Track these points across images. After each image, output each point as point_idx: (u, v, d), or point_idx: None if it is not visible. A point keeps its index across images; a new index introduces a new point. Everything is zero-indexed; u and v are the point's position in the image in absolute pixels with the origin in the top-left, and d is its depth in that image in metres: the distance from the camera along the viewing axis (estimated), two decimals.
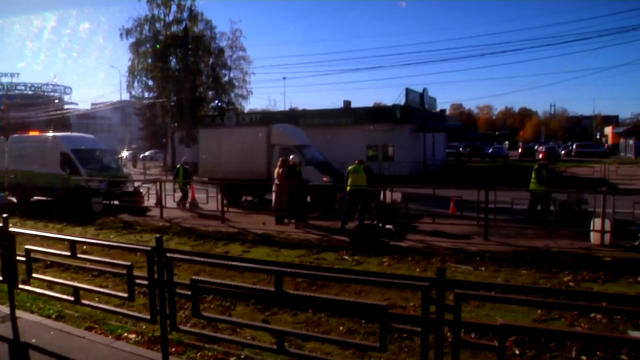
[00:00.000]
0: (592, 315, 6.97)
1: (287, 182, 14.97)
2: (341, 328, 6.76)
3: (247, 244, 12.70)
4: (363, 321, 6.88)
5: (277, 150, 19.48)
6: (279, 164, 15.72)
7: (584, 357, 5.66)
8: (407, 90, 35.86)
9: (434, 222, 13.56)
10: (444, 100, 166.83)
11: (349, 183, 14.25)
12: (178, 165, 19.29)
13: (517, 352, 5.83)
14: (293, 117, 37.26)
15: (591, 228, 12.00)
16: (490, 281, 8.92)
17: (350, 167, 14.51)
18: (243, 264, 5.77)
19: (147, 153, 58.05)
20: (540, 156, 14.32)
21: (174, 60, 39.20)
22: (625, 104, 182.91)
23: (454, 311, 3.83)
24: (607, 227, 11.68)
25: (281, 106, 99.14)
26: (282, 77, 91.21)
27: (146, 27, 38.60)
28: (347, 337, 6.35)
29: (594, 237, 11.86)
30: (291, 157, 16.40)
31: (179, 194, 18.64)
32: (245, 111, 50.37)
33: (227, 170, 19.82)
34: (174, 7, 38.15)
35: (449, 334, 4.54)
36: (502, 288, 8.32)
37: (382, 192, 15.01)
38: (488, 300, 6.03)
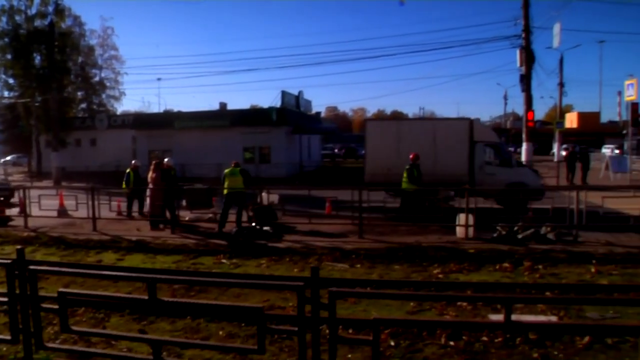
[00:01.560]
0: (459, 303, 7.44)
1: (161, 186, 14.52)
2: (221, 333, 6.68)
3: (121, 251, 12.16)
4: (243, 324, 6.85)
5: (480, 148, 17.05)
6: (152, 167, 15.18)
7: (452, 343, 6.01)
8: (283, 93, 36.14)
9: (310, 223, 13.80)
10: (319, 103, 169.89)
11: (225, 186, 14.13)
12: (128, 170, 17.10)
13: (392, 343, 6.08)
14: (168, 119, 36.26)
15: (457, 223, 12.82)
16: (366, 278, 9.24)
17: (226, 170, 14.37)
18: (114, 273, 5.55)
19: (8, 158, 53.67)
20: (411, 157, 15.08)
21: (39, 57, 36.33)
22: (485, 107, 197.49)
23: (328, 309, 3.92)
24: (471, 221, 12.53)
25: (155, 108, 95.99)
26: (156, 78, 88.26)
27: (4, 18, 35.67)
28: (227, 341, 6.29)
29: (459, 231, 12.68)
30: (165, 160, 15.89)
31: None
32: (118, 113, 48.29)
33: None
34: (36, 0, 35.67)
35: (327, 331, 4.64)
36: (376, 284, 8.65)
37: (259, 194, 15.05)
38: (363, 296, 6.26)
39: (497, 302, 5.16)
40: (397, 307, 7.44)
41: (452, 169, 16.40)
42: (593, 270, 9.60)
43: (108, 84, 43.55)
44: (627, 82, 25.70)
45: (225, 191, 14.12)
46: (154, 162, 15.59)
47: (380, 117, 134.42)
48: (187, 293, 8.37)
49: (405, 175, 15.08)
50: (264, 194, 14.97)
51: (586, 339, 6.00)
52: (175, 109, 58.50)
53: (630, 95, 25.55)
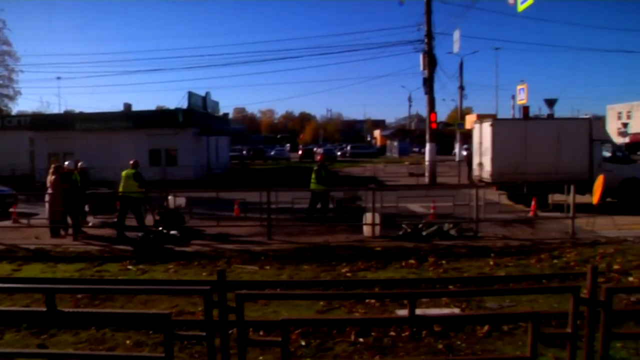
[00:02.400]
0: (367, 300, 7.59)
1: (60, 190, 13.79)
2: (128, 342, 6.43)
3: (18, 261, 11.39)
4: (151, 332, 6.65)
5: (598, 146, 17.35)
6: (51, 170, 14.36)
7: (361, 339, 6.12)
8: (190, 94, 35.41)
9: (218, 225, 13.62)
10: (227, 104, 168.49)
11: (119, 189, 13.69)
12: (74, 172, 15.47)
13: (303, 343, 6.10)
14: (69, 120, 34.39)
15: (364, 222, 13.09)
16: (275, 279, 9.23)
17: (123, 172, 13.89)
18: (8, 285, 5.21)
19: None
20: (319, 157, 15.34)
21: None
22: (390, 109, 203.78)
23: (236, 312, 3.89)
24: (377, 220, 12.84)
25: (55, 108, 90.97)
26: (56, 77, 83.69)
27: None
28: (134, 350, 6.07)
29: (366, 230, 12.95)
30: (66, 163, 15.11)
31: None
32: (13, 113, 45.39)
33: (535, 170, 16.85)
34: None
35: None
36: (286, 285, 8.66)
37: (166, 198, 14.67)
38: (272, 297, 6.25)
39: (402, 297, 5.33)
40: (308, 306, 7.48)
41: (574, 167, 16.88)
42: (491, 263, 10.11)
43: (1, 82, 40.83)
44: (519, 87, 27.31)
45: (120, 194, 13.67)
46: (53, 165, 14.78)
47: (288, 118, 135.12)
48: (91, 302, 8.01)
49: (313, 176, 15.25)
50: (170, 197, 14.61)
51: (486, 327, 6.31)
52: (77, 110, 55.96)
53: (521, 99, 27.15)
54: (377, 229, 12.80)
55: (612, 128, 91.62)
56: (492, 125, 18.00)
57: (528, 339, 3.83)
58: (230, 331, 4.19)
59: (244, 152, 61.29)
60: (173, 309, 7.22)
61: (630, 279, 8.86)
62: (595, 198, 13.56)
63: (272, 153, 60.70)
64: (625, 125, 56.03)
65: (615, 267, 9.55)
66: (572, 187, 12.91)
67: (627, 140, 58.24)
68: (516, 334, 6.11)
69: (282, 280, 9.00)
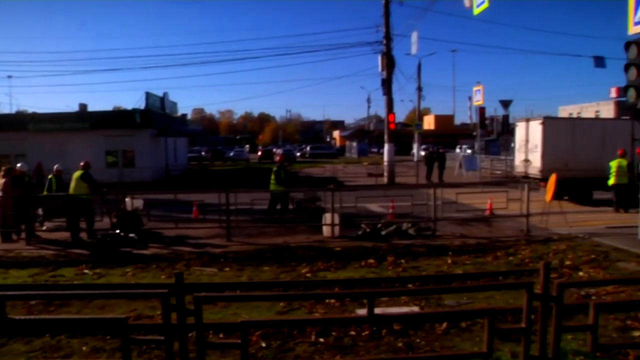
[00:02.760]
0: (327, 300, 7.61)
1: (12, 194, 13.37)
2: (84, 348, 6.27)
3: None
4: (108, 337, 6.51)
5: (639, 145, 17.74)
6: (1, 173, 13.90)
7: (322, 339, 6.14)
8: (147, 94, 34.84)
9: (177, 228, 13.46)
10: (185, 105, 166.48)
11: (70, 191, 13.38)
12: (50, 176, 14.76)
13: (263, 344, 6.07)
14: (21, 120, 33.38)
15: (323, 222, 13.13)
16: (235, 280, 9.16)
17: (74, 174, 13.56)
18: None
19: None
20: (278, 158, 15.38)
21: None
22: (349, 110, 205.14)
23: (195, 315, 3.85)
24: (336, 220, 12.90)
25: (6, 108, 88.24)
26: (6, 76, 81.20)
27: None
28: (91, 357, 5.94)
29: (326, 230, 13.00)
30: (18, 165, 14.67)
31: None
32: None
33: (582, 167, 17.77)
34: None
35: None
36: (246, 286, 8.62)
37: (122, 200, 14.40)
38: (231, 299, 6.21)
39: (361, 297, 5.37)
40: (268, 308, 7.46)
41: None
42: (449, 261, 10.27)
43: None
44: (475, 88, 27.86)
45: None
46: (3, 168, 14.29)
47: (247, 119, 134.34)
48: (45, 309, 7.79)
49: (272, 177, 15.24)
50: (127, 200, 14.34)
51: (444, 324, 6.41)
52: (30, 110, 54.37)
53: (478, 100, 27.72)
54: (337, 229, 12.86)
55: None
56: (542, 123, 18.80)
57: (484, 335, 3.92)
58: (190, 334, 4.15)
59: (203, 153, 60.72)
60: (131, 313, 7.10)
61: (581, 274, 9.15)
62: (548, 196, 13.93)
63: (231, 154, 60.31)
64: None
65: (567, 263, 9.85)
66: (526, 187, 13.26)
67: None
68: (474, 330, 6.22)
69: (241, 282, 8.96)
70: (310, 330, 6.31)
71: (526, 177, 18.92)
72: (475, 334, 6.07)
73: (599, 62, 30.02)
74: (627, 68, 11.92)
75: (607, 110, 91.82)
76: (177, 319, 3.87)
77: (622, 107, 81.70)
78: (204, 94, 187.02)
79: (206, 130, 74.94)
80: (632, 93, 11.84)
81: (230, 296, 5.52)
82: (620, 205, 16.14)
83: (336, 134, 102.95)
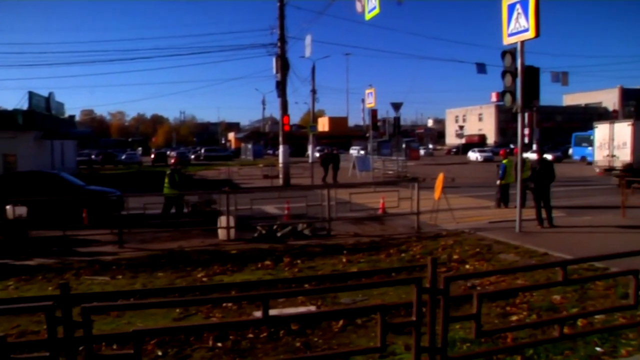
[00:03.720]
0: (225, 304, 7.55)
1: None
2: None
3: None
4: None
5: None
6: None
7: (219, 344, 6.08)
8: (31, 94, 32.69)
9: (65, 235, 12.77)
10: (73, 106, 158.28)
11: None
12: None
13: (159, 353, 5.92)
14: None
15: (218, 225, 12.99)
16: (129, 288, 8.84)
17: None
18: None
19: None
20: (172, 161, 15.09)
21: None
22: (244, 112, 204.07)
23: (83, 327, 3.69)
24: (232, 223, 12.81)
25: None
26: None
27: None
28: None
29: (221, 233, 12.87)
30: None
31: None
32: None
33: None
34: None
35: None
36: (140, 294, 8.34)
37: (3, 208, 13.45)
38: (123, 308, 6.00)
39: (255, 299, 5.35)
40: (164, 315, 7.28)
41: None
42: (344, 260, 10.51)
43: None
44: (367, 91, 28.60)
45: None
46: None
47: (140, 121, 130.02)
48: None
49: (166, 180, 14.90)
50: (9, 207, 13.41)
51: (340, 322, 6.57)
52: None
53: (370, 102, 28.50)
54: (232, 232, 12.78)
55: (451, 130, 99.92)
56: (632, 124, 21.99)
57: (378, 330, 4.06)
58: (80, 348, 3.96)
59: (93, 156, 58.14)
60: (13, 330, 6.67)
61: (467, 266, 9.71)
62: (436, 194, 14.63)
63: (123, 157, 58.19)
64: (461, 127, 61.08)
65: (455, 257, 10.40)
66: (416, 186, 13.84)
67: (463, 141, 63.41)
68: (369, 326, 6.41)
69: (135, 290, 8.65)
70: (208, 335, 6.23)
71: (610, 169, 22.69)
72: (370, 330, 6.26)
73: (481, 68, 31.98)
74: (503, 75, 12.85)
75: (489, 114, 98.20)
76: (64, 332, 3.68)
77: (501, 111, 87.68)
78: (94, 94, 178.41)
79: (96, 133, 71.58)
80: (508, 98, 12.75)
81: (121, 305, 5.34)
82: (502, 201, 17.29)
83: (231, 136, 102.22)
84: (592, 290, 7.80)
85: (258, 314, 6.94)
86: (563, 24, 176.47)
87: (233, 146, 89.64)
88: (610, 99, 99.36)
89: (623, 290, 7.21)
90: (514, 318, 6.77)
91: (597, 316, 6.25)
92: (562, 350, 5.46)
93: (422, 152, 63.13)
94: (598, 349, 5.58)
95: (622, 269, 5.22)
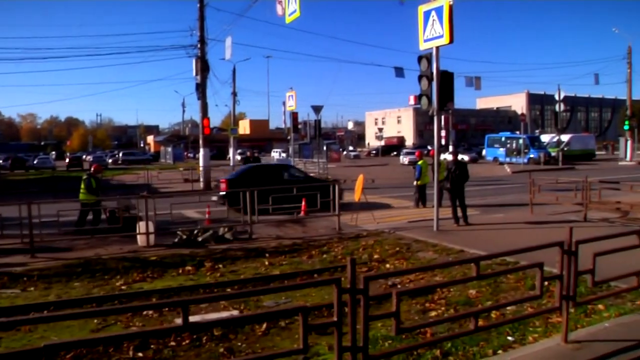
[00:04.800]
0: (145, 312, 7.38)
1: None
2: None
3: None
4: None
5: None
6: None
7: (140, 354, 5.94)
8: None
9: None
10: None
11: None
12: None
13: None
14: None
15: (137, 231, 12.63)
16: (42, 300, 8.45)
17: None
18: None
19: None
20: (93, 167, 14.88)
21: None
22: (164, 114, 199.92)
23: None
24: (151, 228, 12.49)
25: None
26: None
27: None
28: None
29: (141, 240, 12.51)
30: None
31: None
32: None
33: None
34: None
35: None
36: (55, 305, 7.99)
37: None
38: (36, 322, 5.73)
39: (174, 306, 5.25)
40: (81, 326, 7.01)
41: None
42: (267, 263, 10.51)
43: None
44: (288, 94, 28.73)
45: None
46: None
47: (53, 124, 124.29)
48: None
49: (82, 185, 14.40)
50: None
51: (264, 325, 6.58)
52: None
53: (291, 105, 28.63)
54: (152, 237, 12.46)
55: (370, 132, 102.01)
56: None
57: (300, 331, 4.09)
58: None
59: (1, 161, 55.07)
60: None
61: (387, 265, 9.96)
62: (356, 195, 14.90)
63: (35, 162, 55.36)
64: (380, 130, 62.39)
65: (375, 256, 10.63)
66: (336, 187, 14.04)
67: (382, 143, 64.80)
68: (292, 328, 6.45)
69: (49, 302, 8.28)
70: (128, 345, 6.08)
71: None
72: (294, 332, 6.28)
73: (399, 72, 32.81)
74: (420, 79, 13.28)
75: (407, 116, 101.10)
76: None
77: (419, 113, 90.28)
78: (0, 95, 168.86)
79: (4, 136, 67.85)
80: (424, 101, 13.19)
81: (32, 319, 5.08)
82: (421, 201, 17.84)
83: (150, 139, 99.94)
84: (504, 283, 8.23)
85: (179, 320, 6.84)
86: (476, 32, 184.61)
87: (152, 150, 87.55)
88: (518, 102, 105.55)
89: (531, 282, 7.66)
90: (433, 314, 7.01)
91: (508, 307, 6.60)
92: (477, 341, 5.73)
93: (352, 154, 64.65)
94: (510, 338, 5.92)
95: (530, 262, 5.52)
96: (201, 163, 27.59)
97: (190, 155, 69.87)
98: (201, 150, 27.61)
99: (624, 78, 54.19)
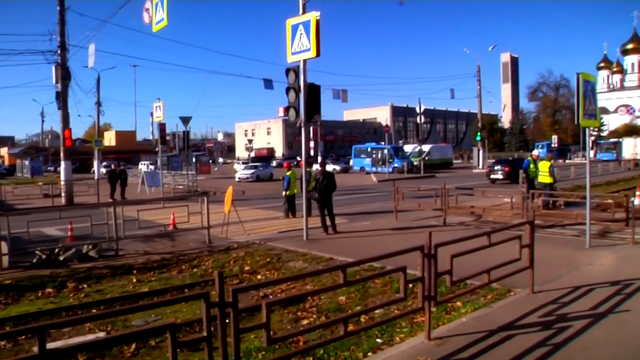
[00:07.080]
0: None
1: None
2: None
3: None
4: None
5: None
6: None
7: None
8: None
9: None
10: None
11: None
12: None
13: None
14: None
15: None
16: None
17: None
18: None
19: None
20: None
21: None
22: (20, 125, 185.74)
23: None
24: (5, 249, 11.54)
25: None
26: None
27: None
28: None
29: None
30: None
31: None
32: None
33: None
34: None
35: None
36: None
37: None
38: None
39: (28, 333, 4.94)
40: None
41: None
42: (135, 280, 10.10)
43: None
44: (155, 104, 27.88)
45: None
46: None
47: None
48: None
49: None
50: None
51: (133, 345, 6.34)
52: None
53: (158, 116, 27.82)
54: (6, 259, 11.49)
55: (240, 144, 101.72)
56: None
57: (169, 349, 4.01)
58: None
59: None
60: None
61: (259, 277, 9.98)
62: (226, 207, 14.81)
63: None
64: (250, 141, 62.57)
65: (247, 268, 10.63)
66: (205, 200, 13.88)
67: (252, 154, 64.89)
68: (163, 347, 6.27)
69: None
70: None
71: None
72: (165, 350, 6.11)
73: (268, 84, 33.14)
74: (287, 91, 13.53)
75: (277, 128, 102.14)
76: None
77: (288, 125, 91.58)
78: None
79: None
80: (292, 112, 13.45)
81: None
82: (290, 211, 18.08)
83: (4, 151, 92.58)
84: (372, 288, 8.61)
85: (36, 349, 6.39)
86: (343, 46, 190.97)
87: (7, 163, 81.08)
88: (383, 114, 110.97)
89: (397, 286, 8.04)
90: (305, 322, 7.15)
91: (376, 311, 6.92)
92: (348, 346, 5.95)
93: (218, 167, 63.49)
94: (379, 340, 6.22)
95: (395, 266, 5.82)
96: (62, 177, 25.96)
97: (51, 168, 65.76)
98: (62, 164, 25.99)
99: (475, 93, 58.81)
